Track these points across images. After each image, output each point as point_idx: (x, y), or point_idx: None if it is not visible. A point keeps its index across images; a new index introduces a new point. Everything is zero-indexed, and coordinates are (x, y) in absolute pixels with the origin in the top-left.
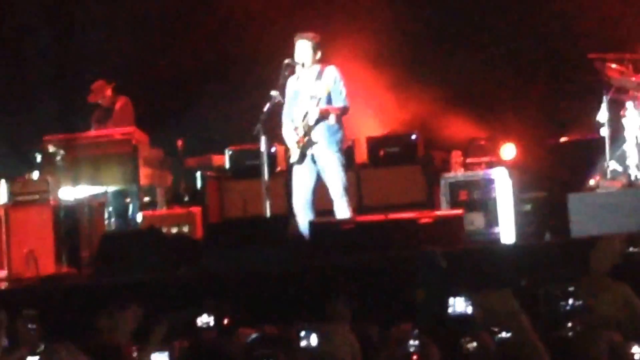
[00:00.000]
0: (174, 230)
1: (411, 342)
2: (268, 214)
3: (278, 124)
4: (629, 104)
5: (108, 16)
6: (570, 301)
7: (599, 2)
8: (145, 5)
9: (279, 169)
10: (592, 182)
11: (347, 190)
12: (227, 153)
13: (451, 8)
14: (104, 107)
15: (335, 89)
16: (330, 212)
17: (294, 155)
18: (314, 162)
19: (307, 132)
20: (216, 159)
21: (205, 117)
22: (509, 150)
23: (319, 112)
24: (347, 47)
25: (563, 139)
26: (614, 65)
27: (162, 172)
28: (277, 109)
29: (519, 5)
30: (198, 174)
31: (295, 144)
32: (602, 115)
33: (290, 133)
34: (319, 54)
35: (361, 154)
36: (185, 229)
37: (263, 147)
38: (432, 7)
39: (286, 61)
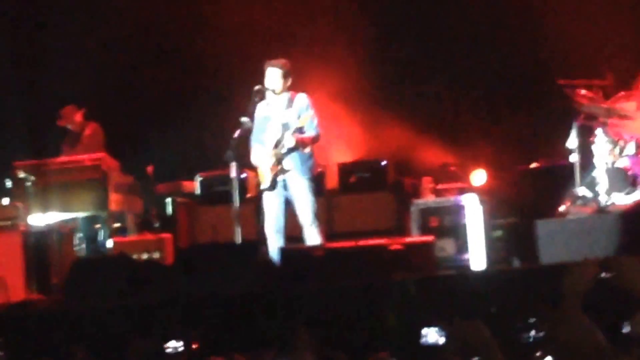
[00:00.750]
0: (145, 256)
1: None
2: (238, 240)
3: (248, 150)
4: (599, 130)
5: (78, 41)
6: (533, 332)
7: (568, 29)
8: (115, 31)
9: (249, 195)
10: (562, 208)
11: (318, 216)
12: (198, 179)
13: (421, 36)
14: (74, 132)
15: (306, 117)
16: (301, 238)
17: (265, 182)
18: (285, 188)
19: (280, 159)
20: (186, 185)
21: (175, 143)
22: (479, 177)
23: (295, 142)
24: (319, 75)
25: (533, 165)
26: (583, 92)
27: (133, 198)
28: (248, 135)
29: (488, 33)
30: (168, 200)
31: (267, 171)
32: (572, 141)
33: (262, 158)
34: (289, 81)
35: (332, 180)
36: (156, 255)
37: (233, 173)
38: (402, 35)
39: (256, 87)
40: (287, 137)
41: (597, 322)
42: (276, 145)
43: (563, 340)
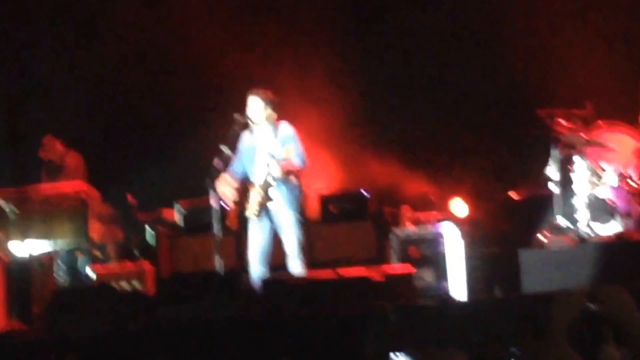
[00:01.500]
0: (125, 285)
1: None
2: (220, 269)
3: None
4: (578, 160)
5: (58, 70)
6: None
7: (548, 59)
8: (95, 60)
9: (230, 224)
10: (541, 237)
11: (303, 248)
12: (178, 208)
13: (400, 64)
14: (54, 162)
15: (292, 147)
16: (285, 266)
17: (250, 212)
18: (271, 219)
19: (266, 190)
20: (167, 214)
21: (156, 172)
22: (459, 206)
23: (282, 172)
24: (300, 104)
25: (513, 195)
26: (563, 121)
27: (113, 227)
28: (228, 163)
29: (468, 61)
30: (149, 229)
31: (254, 201)
32: (552, 171)
33: (229, 187)
34: (270, 111)
35: (312, 210)
36: (137, 284)
37: (214, 202)
38: (381, 63)
39: (236, 115)
40: (276, 168)
41: (580, 351)
42: (264, 177)
43: None
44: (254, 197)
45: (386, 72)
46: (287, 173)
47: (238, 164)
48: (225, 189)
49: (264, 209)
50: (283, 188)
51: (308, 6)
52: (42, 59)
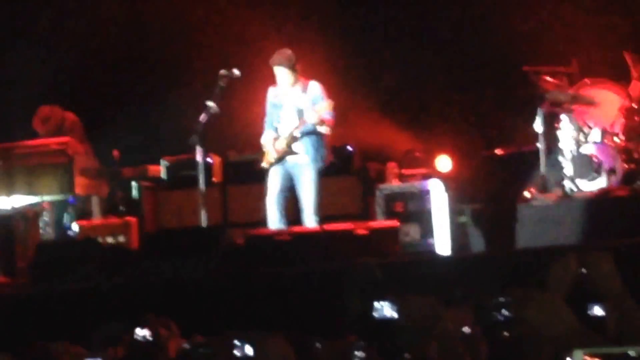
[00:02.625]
0: (110, 240)
1: (356, 353)
2: (204, 224)
3: (214, 134)
4: (564, 117)
5: (42, 26)
6: (504, 311)
7: (535, 16)
8: (79, 16)
9: (215, 179)
10: (526, 194)
11: (319, 208)
12: (163, 163)
13: (386, 19)
14: (52, 130)
15: (323, 106)
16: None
17: (266, 162)
18: (291, 170)
19: (290, 142)
20: (152, 169)
21: (141, 127)
22: (444, 162)
23: (317, 118)
24: None
25: (498, 151)
26: (548, 78)
27: (98, 182)
28: (213, 119)
29: (454, 18)
30: (134, 184)
31: (273, 152)
32: (537, 127)
33: (270, 141)
34: (298, 71)
35: None
36: (121, 239)
37: (199, 157)
38: (367, 18)
39: (222, 72)
40: (307, 115)
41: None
42: (292, 130)
43: (532, 320)
44: (274, 147)
45: (373, 30)
46: (320, 122)
47: (270, 120)
48: (270, 143)
49: (282, 160)
50: (307, 143)
51: None
52: (28, 17)
